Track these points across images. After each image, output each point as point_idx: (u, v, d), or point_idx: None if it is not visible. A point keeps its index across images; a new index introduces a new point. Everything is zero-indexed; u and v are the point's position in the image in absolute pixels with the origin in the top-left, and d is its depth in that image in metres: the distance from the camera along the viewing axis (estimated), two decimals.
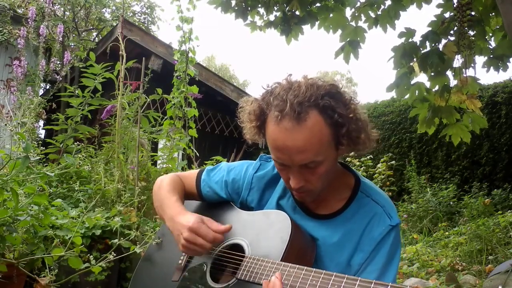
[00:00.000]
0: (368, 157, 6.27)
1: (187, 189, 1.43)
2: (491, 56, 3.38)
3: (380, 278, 1.10)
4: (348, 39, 3.54)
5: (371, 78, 48.34)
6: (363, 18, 3.65)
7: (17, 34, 5.77)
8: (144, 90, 3.11)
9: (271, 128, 1.08)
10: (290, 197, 1.27)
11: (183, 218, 1.22)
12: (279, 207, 1.27)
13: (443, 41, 3.18)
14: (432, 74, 3.30)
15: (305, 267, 1.01)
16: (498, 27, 3.42)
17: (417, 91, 3.36)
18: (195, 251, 1.20)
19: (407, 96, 3.40)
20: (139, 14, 11.81)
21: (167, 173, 1.58)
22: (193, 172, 1.46)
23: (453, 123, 3.27)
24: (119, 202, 2.35)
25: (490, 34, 3.53)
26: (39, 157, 2.32)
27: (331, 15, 3.71)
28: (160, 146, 3.83)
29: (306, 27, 3.84)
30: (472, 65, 3.10)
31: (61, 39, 3.72)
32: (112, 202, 2.55)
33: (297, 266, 1.02)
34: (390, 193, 5.55)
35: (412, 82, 3.37)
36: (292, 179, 1.11)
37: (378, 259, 1.13)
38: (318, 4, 3.77)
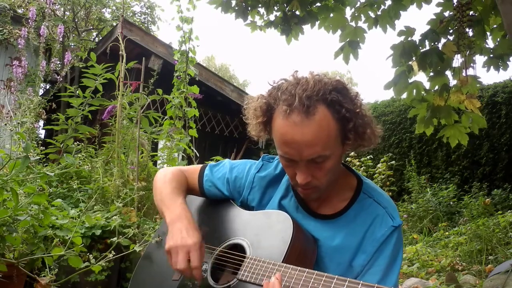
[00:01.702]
0: (368, 157, 6.27)
1: (189, 184, 1.42)
2: (491, 55, 3.38)
3: (382, 279, 1.10)
4: (348, 40, 3.54)
5: (371, 78, 48.40)
6: (363, 18, 3.65)
7: (17, 34, 5.78)
8: (147, 92, 3.12)
9: (279, 123, 1.08)
10: (293, 196, 1.27)
11: (189, 231, 1.18)
12: (281, 207, 1.27)
13: (443, 41, 3.18)
14: (432, 74, 3.30)
15: (307, 270, 1.00)
16: (496, 26, 3.42)
17: (415, 90, 3.35)
18: (176, 262, 1.16)
19: (405, 95, 3.40)
20: (139, 14, 11.82)
21: None
22: (196, 167, 1.45)
23: (451, 124, 3.27)
24: (119, 200, 2.35)
25: (488, 34, 3.53)
26: (39, 157, 2.32)
27: (331, 15, 3.71)
28: (160, 146, 3.83)
29: (306, 27, 3.85)
30: (472, 65, 3.10)
31: (61, 39, 3.72)
32: (112, 201, 2.55)
33: (299, 268, 1.02)
34: (390, 193, 5.56)
35: (410, 81, 3.36)
36: (299, 174, 1.10)
37: (380, 261, 1.13)
38: (318, 4, 3.77)
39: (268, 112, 1.12)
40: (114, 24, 9.24)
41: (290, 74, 1.14)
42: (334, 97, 1.05)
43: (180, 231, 1.18)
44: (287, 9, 3.79)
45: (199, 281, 1.16)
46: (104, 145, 3.17)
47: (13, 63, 3.19)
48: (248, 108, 1.20)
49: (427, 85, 3.38)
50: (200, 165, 1.46)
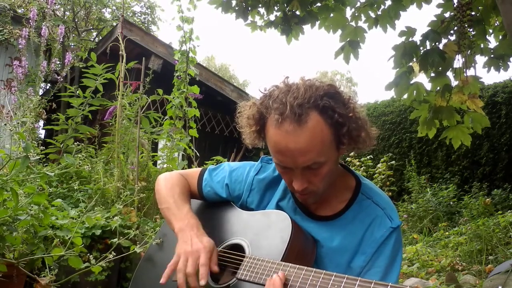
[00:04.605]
0: (368, 157, 6.27)
1: (190, 189, 1.42)
2: (492, 56, 3.37)
3: (382, 280, 1.09)
4: (348, 39, 3.54)
5: (371, 78, 48.39)
6: (363, 18, 3.65)
7: (17, 34, 5.78)
8: (145, 91, 3.12)
9: (272, 132, 1.07)
10: (291, 198, 1.27)
11: (200, 237, 1.19)
12: (279, 209, 1.27)
13: (443, 41, 3.18)
14: (433, 74, 3.30)
15: (305, 267, 1.01)
16: (498, 23, 3.42)
17: (415, 91, 3.35)
18: (186, 264, 1.14)
19: (405, 96, 3.40)
20: (139, 14, 11.82)
21: None
22: (195, 171, 1.45)
23: (453, 125, 3.26)
24: (119, 201, 2.35)
25: (491, 31, 3.53)
26: (39, 157, 2.32)
27: (331, 15, 3.71)
28: (160, 146, 3.83)
29: (306, 27, 3.85)
30: (473, 64, 3.10)
31: (61, 39, 3.72)
32: (112, 201, 2.55)
33: (297, 266, 1.02)
34: (390, 193, 5.56)
35: (411, 82, 3.36)
36: (295, 181, 1.10)
37: (380, 262, 1.13)
38: (318, 4, 3.78)
39: (261, 121, 1.12)
40: (114, 24, 9.24)
41: (281, 80, 1.13)
42: (326, 103, 1.04)
43: (191, 238, 1.18)
44: (287, 9, 3.79)
45: (202, 280, 1.13)
46: (104, 145, 3.17)
47: (14, 63, 3.19)
48: (241, 116, 1.19)
49: (428, 86, 3.38)
50: (200, 169, 1.46)
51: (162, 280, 1.16)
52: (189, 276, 1.12)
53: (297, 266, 1.02)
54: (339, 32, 3.64)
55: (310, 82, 1.10)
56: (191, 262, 1.13)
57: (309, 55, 50.72)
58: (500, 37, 3.53)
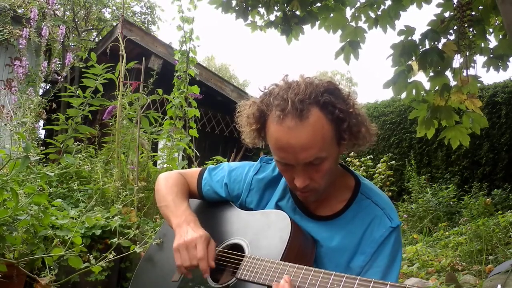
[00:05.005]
0: (368, 157, 6.27)
1: (189, 188, 1.43)
2: (491, 56, 3.38)
3: (382, 280, 1.10)
4: (348, 40, 3.55)
5: (371, 78, 48.36)
6: (363, 18, 3.65)
7: (17, 34, 5.78)
8: (147, 92, 3.12)
9: (273, 128, 1.08)
10: (290, 198, 1.27)
11: (195, 229, 1.22)
12: (278, 208, 1.27)
13: (443, 40, 3.18)
14: (432, 74, 3.30)
15: (305, 267, 1.01)
16: (498, 23, 3.42)
17: (414, 90, 3.35)
18: (184, 257, 1.17)
19: (404, 94, 3.40)
20: (139, 14, 11.83)
21: None
22: (195, 170, 1.46)
23: (452, 126, 3.26)
24: (119, 201, 2.35)
25: (491, 30, 3.53)
26: (39, 157, 2.32)
27: (331, 15, 3.72)
28: (160, 146, 3.83)
29: (306, 27, 3.86)
30: (472, 64, 3.10)
31: (62, 39, 3.72)
32: (112, 201, 2.55)
33: (297, 265, 1.02)
34: (390, 193, 5.56)
35: (410, 80, 3.37)
36: (297, 178, 1.10)
37: (379, 261, 1.13)
38: (318, 4, 3.78)
39: (262, 119, 1.12)
40: (114, 24, 9.25)
41: (281, 78, 1.14)
42: (326, 98, 1.05)
43: (187, 231, 1.20)
44: (287, 9, 3.80)
45: (206, 274, 1.15)
46: (104, 145, 3.17)
47: (14, 63, 3.19)
48: (241, 115, 1.20)
49: (426, 85, 3.38)
50: (200, 168, 1.46)
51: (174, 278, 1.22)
52: (189, 267, 1.16)
53: (297, 265, 1.02)
54: (339, 32, 3.64)
55: (310, 79, 1.11)
56: (191, 252, 1.16)
57: (309, 55, 50.73)
58: (500, 37, 3.54)
